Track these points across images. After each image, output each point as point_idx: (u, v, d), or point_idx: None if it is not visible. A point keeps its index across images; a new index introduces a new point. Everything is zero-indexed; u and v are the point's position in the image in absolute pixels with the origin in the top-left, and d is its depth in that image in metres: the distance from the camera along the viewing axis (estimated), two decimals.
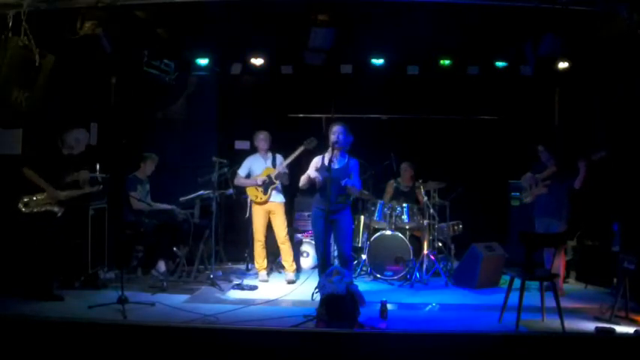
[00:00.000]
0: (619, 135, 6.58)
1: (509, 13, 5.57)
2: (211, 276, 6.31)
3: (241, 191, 6.86)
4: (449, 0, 5.28)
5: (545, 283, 5.27)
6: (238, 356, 3.83)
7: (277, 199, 6.55)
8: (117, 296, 5.14)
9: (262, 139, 6.59)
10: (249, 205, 6.74)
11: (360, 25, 6.41)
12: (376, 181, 7.39)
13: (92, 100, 6.85)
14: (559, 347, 3.96)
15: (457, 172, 7.51)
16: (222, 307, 5.39)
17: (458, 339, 4.10)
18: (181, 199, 6.84)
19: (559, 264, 5.98)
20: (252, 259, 7.07)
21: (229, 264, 7.54)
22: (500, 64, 7.15)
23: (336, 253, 5.92)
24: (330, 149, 5.63)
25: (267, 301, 5.73)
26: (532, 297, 5.41)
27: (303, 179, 5.73)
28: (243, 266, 7.39)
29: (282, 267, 6.74)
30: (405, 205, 6.98)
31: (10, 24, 4.82)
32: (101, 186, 5.93)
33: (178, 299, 5.69)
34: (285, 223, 6.63)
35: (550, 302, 5.05)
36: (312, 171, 5.70)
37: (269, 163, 6.60)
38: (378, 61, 7.15)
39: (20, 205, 5.37)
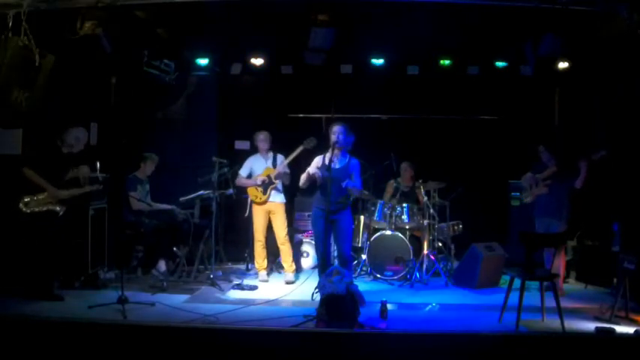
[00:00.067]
0: (619, 135, 6.58)
1: (509, 13, 5.57)
2: (211, 276, 6.31)
3: (242, 191, 6.86)
4: (449, 0, 5.28)
5: (545, 283, 5.27)
6: (238, 356, 3.83)
7: (277, 199, 6.55)
8: (117, 296, 5.14)
9: (262, 139, 6.58)
10: (249, 204, 6.74)
11: (360, 25, 6.41)
12: (376, 181, 7.38)
13: (92, 100, 6.85)
14: (559, 347, 3.95)
15: (457, 172, 7.51)
16: (222, 307, 5.39)
17: (458, 339, 4.10)
18: (181, 199, 6.84)
19: (559, 264, 5.98)
20: (252, 259, 7.08)
21: (229, 264, 7.54)
22: (500, 64, 7.16)
23: (336, 253, 5.92)
24: (330, 149, 5.63)
25: (267, 301, 5.73)
26: (532, 297, 5.41)
27: (303, 178, 5.73)
28: (243, 266, 7.39)
29: (282, 267, 6.74)
30: (405, 205, 6.98)
31: (10, 24, 4.82)
32: (101, 185, 5.91)
33: (178, 299, 5.69)
34: (285, 224, 6.63)
35: (550, 302, 5.05)
36: (311, 168, 5.70)
37: (269, 163, 6.60)
38: (378, 61, 7.16)
39: (21, 205, 5.37)
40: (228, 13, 5.93)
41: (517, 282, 5.05)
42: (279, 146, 6.71)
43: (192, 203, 6.90)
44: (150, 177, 6.93)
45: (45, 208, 5.42)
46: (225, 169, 6.61)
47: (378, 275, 6.70)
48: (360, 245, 7.15)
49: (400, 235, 6.72)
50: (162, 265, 6.50)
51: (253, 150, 6.89)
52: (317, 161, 5.80)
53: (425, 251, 6.78)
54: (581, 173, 5.90)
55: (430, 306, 5.74)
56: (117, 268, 6.36)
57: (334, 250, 6.00)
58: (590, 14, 5.14)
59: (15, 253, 5.52)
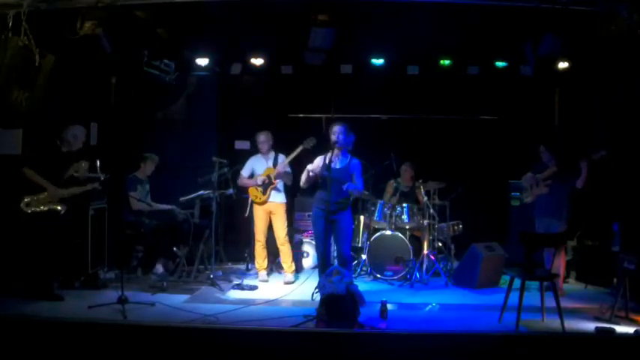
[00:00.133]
0: (619, 135, 6.58)
1: (509, 13, 5.57)
2: (211, 276, 6.31)
3: (243, 191, 6.86)
4: (449, 0, 5.27)
5: (545, 283, 5.27)
6: (238, 356, 3.83)
7: (277, 199, 6.55)
8: (117, 296, 5.14)
9: (263, 140, 6.58)
10: (249, 204, 6.74)
11: (360, 25, 6.41)
12: (376, 181, 7.38)
13: (92, 100, 6.85)
14: (559, 347, 3.95)
15: (457, 172, 7.51)
16: (222, 307, 5.39)
17: (458, 339, 4.10)
18: (181, 199, 6.84)
19: (559, 264, 5.99)
20: (252, 259, 7.08)
21: (229, 264, 7.54)
22: (500, 64, 7.15)
23: (336, 254, 5.92)
24: (330, 149, 5.63)
25: (267, 301, 5.73)
26: (532, 297, 5.42)
27: (303, 178, 5.72)
28: (243, 266, 7.39)
29: (282, 267, 6.74)
30: (405, 205, 6.98)
31: (10, 24, 4.81)
32: (100, 186, 5.88)
33: (178, 299, 5.69)
34: (285, 224, 6.62)
35: (550, 302, 5.05)
36: (310, 166, 5.69)
37: (270, 163, 6.60)
38: (378, 61, 7.15)
39: (22, 206, 5.36)
40: (228, 13, 5.93)
41: (517, 282, 5.05)
42: (279, 146, 6.71)
43: (192, 203, 6.90)
44: (150, 177, 6.93)
45: (46, 208, 5.42)
46: (225, 169, 6.60)
47: (378, 275, 6.70)
48: (360, 245, 7.15)
49: (400, 235, 6.72)
50: (159, 268, 6.51)
51: (254, 150, 6.89)
52: (318, 161, 5.79)
53: (425, 251, 6.78)
54: (582, 173, 5.91)
55: (430, 306, 5.74)
56: (117, 268, 6.36)
57: (334, 250, 6.00)
58: (590, 14, 5.14)
59: (15, 252, 5.52)
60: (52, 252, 5.47)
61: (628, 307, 5.18)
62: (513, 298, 5.00)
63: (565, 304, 5.23)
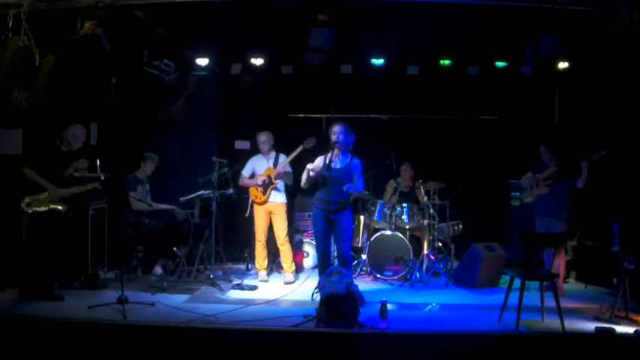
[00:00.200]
0: (619, 135, 6.58)
1: (509, 13, 5.57)
2: (211, 276, 6.31)
3: (243, 191, 6.86)
4: (449, 0, 5.28)
5: (545, 283, 5.27)
6: (238, 356, 3.83)
7: (277, 199, 6.55)
8: (117, 296, 5.14)
9: (263, 140, 6.58)
10: (249, 204, 6.74)
11: (360, 25, 6.41)
12: (376, 181, 7.38)
13: (92, 100, 6.85)
14: (559, 347, 3.96)
15: (457, 172, 7.50)
16: (222, 307, 5.39)
17: (458, 339, 4.10)
18: (181, 199, 6.83)
19: (559, 264, 5.99)
20: (252, 259, 7.08)
21: (229, 264, 7.54)
22: (500, 64, 7.15)
23: (336, 253, 5.92)
24: (331, 149, 5.63)
25: (267, 301, 5.73)
26: (532, 297, 5.41)
27: (303, 177, 5.72)
28: (243, 266, 7.39)
29: (282, 267, 6.74)
30: (405, 205, 6.98)
31: (10, 24, 4.81)
32: (98, 182, 5.86)
33: (178, 299, 5.69)
34: (286, 225, 6.62)
35: (550, 302, 5.05)
36: (310, 165, 5.68)
37: (271, 163, 6.60)
38: (378, 61, 7.16)
39: (23, 206, 5.35)
40: (228, 13, 5.93)
41: (517, 282, 5.05)
42: (279, 146, 6.71)
43: (192, 203, 6.90)
44: (150, 177, 6.93)
45: (46, 208, 5.42)
46: (225, 169, 6.60)
47: (378, 275, 6.70)
48: (360, 245, 7.15)
49: (400, 235, 6.72)
50: (158, 269, 6.51)
51: (254, 150, 6.89)
52: (318, 161, 5.79)
53: (425, 251, 6.78)
54: (583, 173, 5.91)
55: (430, 306, 5.74)
56: (117, 268, 6.36)
57: (334, 250, 6.00)
58: (590, 14, 5.14)
59: (15, 252, 5.51)
60: (52, 252, 5.47)
61: (628, 307, 5.18)
62: (513, 298, 5.00)
63: (565, 304, 5.23)
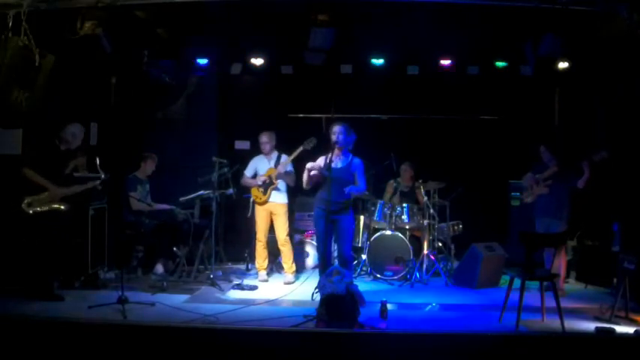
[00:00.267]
0: (619, 135, 6.58)
1: (509, 13, 5.57)
2: (211, 276, 6.31)
3: (245, 191, 6.86)
4: (449, 0, 5.28)
5: (545, 283, 5.27)
6: (238, 356, 3.83)
7: (278, 199, 6.55)
8: (117, 296, 5.13)
9: (265, 141, 6.57)
10: (251, 204, 6.74)
11: (360, 25, 6.41)
12: (376, 181, 7.38)
13: (92, 100, 6.84)
14: (559, 347, 3.95)
15: (457, 172, 7.50)
16: (222, 307, 5.39)
17: (458, 339, 4.10)
18: (181, 199, 6.83)
19: (559, 264, 5.99)
20: (252, 259, 7.08)
21: (229, 264, 7.54)
22: (500, 64, 7.16)
23: (336, 253, 5.91)
24: (331, 149, 5.63)
25: (267, 301, 5.73)
26: (532, 297, 5.41)
27: (304, 178, 5.71)
28: (243, 266, 7.39)
29: (283, 267, 6.74)
30: (405, 205, 6.98)
31: (10, 24, 4.81)
32: (99, 181, 5.85)
33: (178, 299, 5.69)
34: (286, 225, 6.62)
35: (550, 302, 5.05)
36: (310, 164, 5.67)
37: (272, 163, 6.59)
38: (378, 61, 7.16)
39: (24, 206, 5.32)
40: (228, 13, 5.93)
41: (517, 282, 5.05)
42: (279, 146, 6.71)
43: (192, 203, 6.90)
44: (150, 177, 6.93)
45: (47, 207, 5.41)
46: (225, 169, 6.60)
47: (378, 275, 6.70)
48: (360, 245, 7.15)
49: (400, 235, 6.72)
50: (159, 268, 6.51)
51: (253, 150, 6.90)
52: (319, 161, 5.78)
53: (425, 251, 6.78)
54: (585, 174, 5.91)
55: (430, 306, 5.74)
56: (117, 268, 6.36)
57: (335, 250, 6.00)
58: (590, 14, 5.14)
59: (15, 252, 5.51)
60: (53, 252, 5.46)
61: (628, 307, 5.17)
62: (513, 298, 5.00)
63: (565, 304, 5.22)
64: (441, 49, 7.01)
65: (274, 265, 7.09)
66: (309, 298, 5.66)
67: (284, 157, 6.57)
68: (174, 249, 6.70)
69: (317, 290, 5.27)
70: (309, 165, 5.64)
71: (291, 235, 6.89)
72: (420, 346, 3.91)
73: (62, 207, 5.47)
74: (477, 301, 5.90)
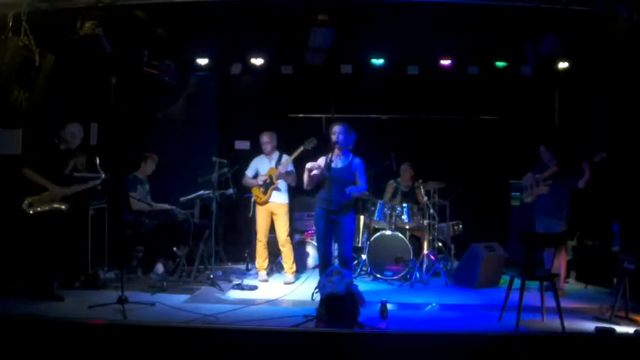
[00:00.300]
0: (619, 135, 6.58)
1: (509, 13, 5.57)
2: (211, 276, 6.31)
3: (246, 190, 6.87)
4: (449, 0, 5.28)
5: (545, 283, 5.27)
6: (238, 356, 3.83)
7: (278, 199, 6.55)
8: (117, 296, 5.13)
9: (266, 141, 6.58)
10: (252, 204, 6.75)
11: (360, 25, 6.41)
12: (376, 181, 7.38)
13: (92, 100, 6.84)
14: (559, 347, 3.96)
15: (457, 172, 7.51)
16: (222, 307, 5.39)
17: (458, 339, 4.10)
18: (181, 199, 6.84)
19: (559, 264, 5.99)
20: (252, 259, 7.08)
21: (229, 264, 7.54)
22: (500, 64, 7.15)
23: (336, 253, 5.91)
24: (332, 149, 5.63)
25: (267, 301, 5.73)
26: (532, 297, 5.41)
27: (305, 179, 5.70)
28: (243, 266, 7.39)
29: (283, 267, 6.74)
30: (405, 205, 6.98)
31: (10, 24, 4.81)
32: (99, 180, 5.85)
33: (178, 299, 5.69)
34: (287, 225, 6.62)
35: (550, 302, 5.05)
36: (309, 164, 5.66)
37: (273, 163, 6.60)
38: (378, 61, 7.16)
39: (25, 207, 5.32)
40: (228, 13, 5.93)
41: (517, 282, 5.05)
42: (279, 146, 6.71)
43: (192, 203, 6.90)
44: (150, 177, 6.93)
45: (48, 207, 5.40)
46: (225, 169, 6.60)
47: (378, 275, 6.70)
48: (360, 245, 7.15)
49: (400, 235, 6.72)
50: (159, 268, 6.50)
51: (253, 150, 6.90)
52: (320, 161, 5.77)
53: (425, 251, 6.78)
54: (585, 174, 5.91)
55: (430, 306, 5.74)
56: (117, 268, 6.36)
57: (335, 250, 6.00)
58: (590, 14, 5.14)
59: (16, 252, 5.51)
60: (53, 252, 5.46)
61: (628, 307, 5.17)
62: (513, 298, 5.00)
63: (565, 304, 5.22)
64: (441, 49, 7.01)
65: (274, 265, 7.09)
66: (309, 298, 5.66)
67: (285, 157, 6.56)
68: (174, 249, 6.69)
69: (317, 290, 5.28)
70: (308, 165, 5.63)
71: (291, 235, 6.89)
72: (420, 346, 3.91)
73: (63, 207, 5.47)
74: (477, 301, 5.90)
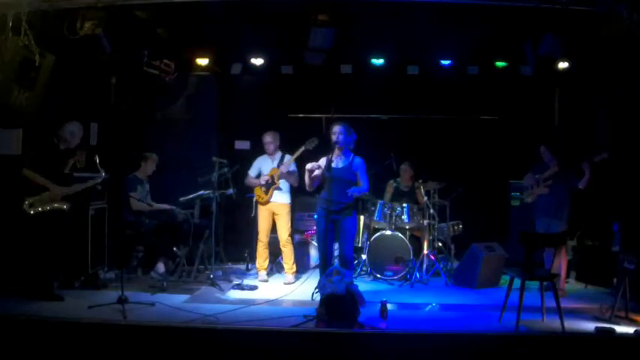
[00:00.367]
0: (619, 135, 6.58)
1: (509, 13, 5.57)
2: (211, 276, 6.31)
3: (248, 190, 6.87)
4: (449, 0, 5.27)
5: (545, 283, 5.27)
6: (238, 356, 3.83)
7: (279, 199, 6.55)
8: (117, 296, 5.14)
9: (268, 141, 6.58)
10: (254, 204, 6.74)
11: (360, 25, 6.40)
12: (376, 181, 7.38)
13: (92, 100, 6.84)
14: (559, 347, 3.96)
15: (457, 172, 7.51)
16: (222, 307, 5.39)
17: (458, 339, 4.11)
18: (181, 199, 6.84)
19: (559, 264, 6.00)
20: (252, 259, 7.08)
21: (229, 264, 7.54)
22: (500, 64, 7.15)
23: (337, 253, 5.91)
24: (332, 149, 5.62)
25: (268, 301, 5.73)
26: (532, 297, 5.41)
27: (306, 180, 5.69)
28: (243, 266, 7.39)
29: (283, 268, 6.74)
30: (405, 205, 6.98)
31: (10, 24, 4.82)
32: (100, 180, 5.84)
33: (178, 299, 5.69)
34: (288, 225, 6.62)
35: (550, 302, 5.05)
36: (309, 165, 5.66)
37: (276, 163, 6.60)
38: (378, 61, 7.15)
39: (26, 207, 5.31)
40: (228, 13, 5.92)
41: (517, 282, 5.05)
42: (279, 146, 6.70)
43: (192, 203, 6.90)
44: (150, 177, 6.93)
45: (49, 207, 5.40)
46: (225, 169, 6.60)
47: (378, 275, 6.70)
48: (360, 245, 7.15)
49: (400, 235, 6.72)
50: (160, 267, 6.49)
51: (254, 150, 6.91)
52: (321, 162, 5.77)
53: (425, 251, 6.78)
54: (586, 175, 5.91)
55: (430, 306, 5.74)
56: (117, 268, 6.36)
57: (335, 250, 5.99)
58: (590, 14, 5.14)
59: (16, 252, 5.51)
60: (53, 252, 5.46)
61: (628, 307, 5.17)
62: (513, 298, 5.00)
63: (565, 304, 5.23)
64: (441, 49, 7.00)
65: (274, 265, 7.09)
66: (309, 298, 5.66)
67: (287, 157, 6.56)
68: (174, 249, 6.69)
69: (317, 290, 5.28)
70: (308, 166, 5.62)
71: (291, 235, 6.89)
72: (420, 346, 3.91)
73: (64, 206, 5.47)
74: (477, 301, 5.90)
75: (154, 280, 6.25)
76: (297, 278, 6.66)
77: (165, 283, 6.09)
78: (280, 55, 7.28)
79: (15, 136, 5.84)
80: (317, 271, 6.32)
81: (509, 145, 7.75)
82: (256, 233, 6.69)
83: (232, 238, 7.75)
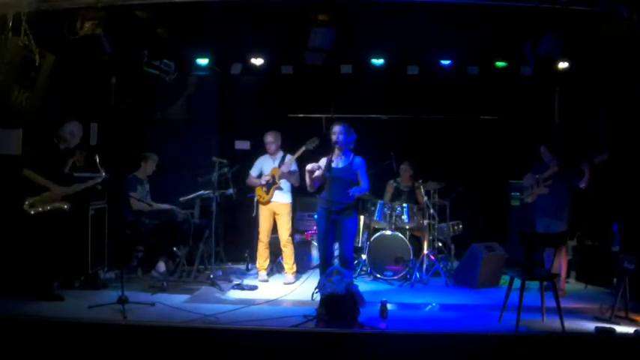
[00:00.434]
0: (619, 135, 6.58)
1: (509, 13, 5.57)
2: (211, 276, 6.31)
3: (249, 190, 6.87)
4: (449, 0, 5.27)
5: (545, 283, 5.27)
6: (238, 356, 3.83)
7: (280, 199, 6.55)
8: (117, 296, 5.14)
9: (270, 141, 6.58)
10: (255, 204, 6.74)
11: (360, 25, 6.40)
12: (376, 181, 7.37)
13: (92, 100, 6.85)
14: (559, 347, 3.96)
15: (457, 172, 7.50)
16: (222, 307, 5.39)
17: (458, 339, 4.11)
18: (181, 199, 6.84)
19: (560, 264, 6.00)
20: (252, 259, 7.08)
21: (229, 264, 7.54)
22: (500, 64, 7.15)
23: (337, 253, 5.91)
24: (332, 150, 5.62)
25: (268, 301, 5.73)
26: (532, 297, 5.41)
27: (307, 181, 5.69)
28: (243, 266, 7.40)
29: (283, 268, 6.74)
30: (405, 205, 6.98)
31: (10, 24, 4.81)
32: (100, 179, 5.83)
33: (178, 299, 5.69)
34: (289, 225, 6.62)
35: (550, 302, 5.05)
36: (309, 165, 5.66)
37: (277, 163, 6.60)
38: (378, 61, 7.15)
39: (26, 207, 5.30)
40: (228, 13, 5.92)
41: (517, 282, 5.05)
42: (280, 146, 6.70)
43: (192, 203, 6.90)
44: (150, 177, 6.93)
45: (49, 207, 5.40)
46: (225, 169, 6.60)
47: (378, 275, 6.70)
48: (360, 245, 7.15)
49: (400, 235, 6.72)
50: (161, 266, 6.49)
51: (254, 150, 6.91)
52: (322, 162, 5.77)
53: (425, 251, 6.79)
54: (586, 175, 5.91)
55: (430, 306, 5.74)
56: (117, 268, 6.36)
57: (336, 249, 5.99)
58: (590, 14, 5.14)
59: (16, 252, 5.51)
60: (53, 251, 5.46)
61: (628, 307, 5.17)
62: (513, 298, 5.00)
63: (565, 304, 5.23)
64: (440, 49, 7.00)
65: (275, 265, 7.09)
66: (309, 298, 5.66)
67: (289, 157, 6.56)
68: (175, 249, 6.70)
69: (317, 290, 5.28)
70: (309, 167, 5.62)
71: (292, 235, 6.89)
72: (420, 346, 3.92)
73: (64, 206, 5.47)
74: (477, 301, 5.90)
75: (154, 280, 6.25)
76: (297, 278, 6.66)
77: (165, 283, 6.10)
78: (280, 55, 7.28)
79: (15, 136, 5.84)
80: (317, 271, 6.32)
81: (509, 145, 7.75)
82: (256, 233, 6.70)
83: (232, 238, 7.75)
